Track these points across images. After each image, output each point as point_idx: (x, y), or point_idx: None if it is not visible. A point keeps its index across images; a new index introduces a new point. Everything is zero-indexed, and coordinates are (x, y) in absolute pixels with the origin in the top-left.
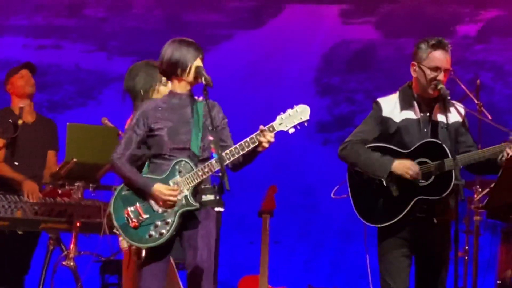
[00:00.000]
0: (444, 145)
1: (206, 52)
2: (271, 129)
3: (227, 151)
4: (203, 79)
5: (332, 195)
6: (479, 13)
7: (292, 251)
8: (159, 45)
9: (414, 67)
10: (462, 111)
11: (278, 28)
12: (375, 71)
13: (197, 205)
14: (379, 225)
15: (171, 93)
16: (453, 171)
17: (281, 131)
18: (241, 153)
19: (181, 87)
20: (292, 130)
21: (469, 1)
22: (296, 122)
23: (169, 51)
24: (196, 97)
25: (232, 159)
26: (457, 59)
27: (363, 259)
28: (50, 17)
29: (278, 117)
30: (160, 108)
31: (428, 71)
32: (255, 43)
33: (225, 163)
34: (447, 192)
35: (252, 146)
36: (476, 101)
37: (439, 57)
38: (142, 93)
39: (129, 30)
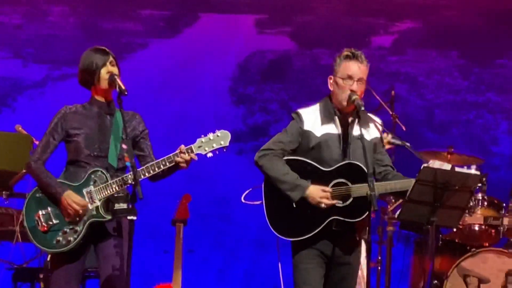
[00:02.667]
0: (365, 169)
1: (122, 60)
2: (189, 151)
3: (143, 167)
4: (116, 87)
5: (242, 199)
6: (393, 25)
7: (206, 260)
8: (74, 52)
9: (330, 81)
10: (380, 127)
11: (193, 37)
12: (290, 81)
13: (107, 217)
14: (290, 239)
15: (92, 100)
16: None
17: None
18: (157, 170)
19: (99, 95)
20: (210, 155)
21: (383, 12)
22: (216, 147)
23: (81, 60)
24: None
25: (147, 175)
26: (371, 70)
27: (276, 269)
28: None
29: (198, 140)
30: (79, 114)
31: (341, 81)
32: (171, 52)
33: (140, 178)
34: (362, 217)
35: (168, 165)
36: (390, 112)
37: (351, 66)
38: None
39: (44, 38)
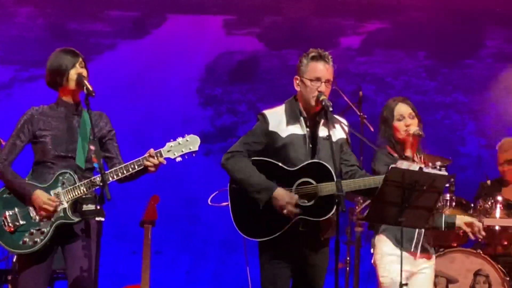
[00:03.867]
0: (330, 168)
1: (90, 61)
2: (158, 155)
3: (112, 170)
4: (84, 88)
5: (209, 201)
6: (361, 25)
7: (174, 261)
8: (42, 54)
9: (297, 81)
10: (346, 128)
11: (161, 38)
12: (258, 82)
13: (74, 219)
14: (256, 239)
15: (59, 101)
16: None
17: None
18: (126, 174)
19: (67, 96)
20: (179, 159)
21: (351, 13)
22: (185, 151)
23: (50, 61)
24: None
25: (116, 178)
26: (340, 71)
27: (244, 269)
28: None
29: (168, 144)
30: (46, 115)
31: (309, 83)
32: (138, 53)
33: (109, 181)
34: (329, 215)
35: (137, 168)
36: (358, 113)
37: (319, 68)
38: None
39: (12, 39)
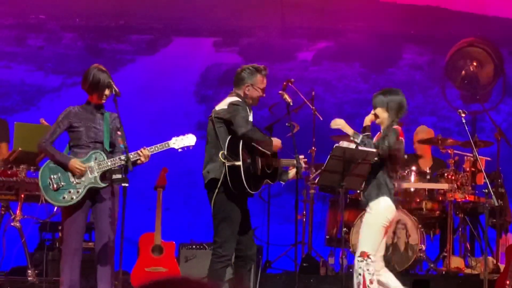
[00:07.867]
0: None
1: (116, 72)
2: (166, 145)
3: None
4: (113, 90)
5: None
6: (313, 44)
7: (179, 215)
8: (82, 66)
9: (249, 87)
10: None
11: (168, 54)
12: None
13: (102, 185)
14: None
15: (89, 103)
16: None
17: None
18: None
19: (94, 100)
20: (180, 150)
21: (306, 35)
22: (185, 145)
23: (89, 74)
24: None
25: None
26: (298, 77)
27: None
28: (1, 46)
29: (173, 138)
30: (79, 112)
31: (259, 90)
32: (152, 65)
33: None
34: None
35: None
36: (311, 107)
37: (264, 81)
38: None
39: (60, 55)
